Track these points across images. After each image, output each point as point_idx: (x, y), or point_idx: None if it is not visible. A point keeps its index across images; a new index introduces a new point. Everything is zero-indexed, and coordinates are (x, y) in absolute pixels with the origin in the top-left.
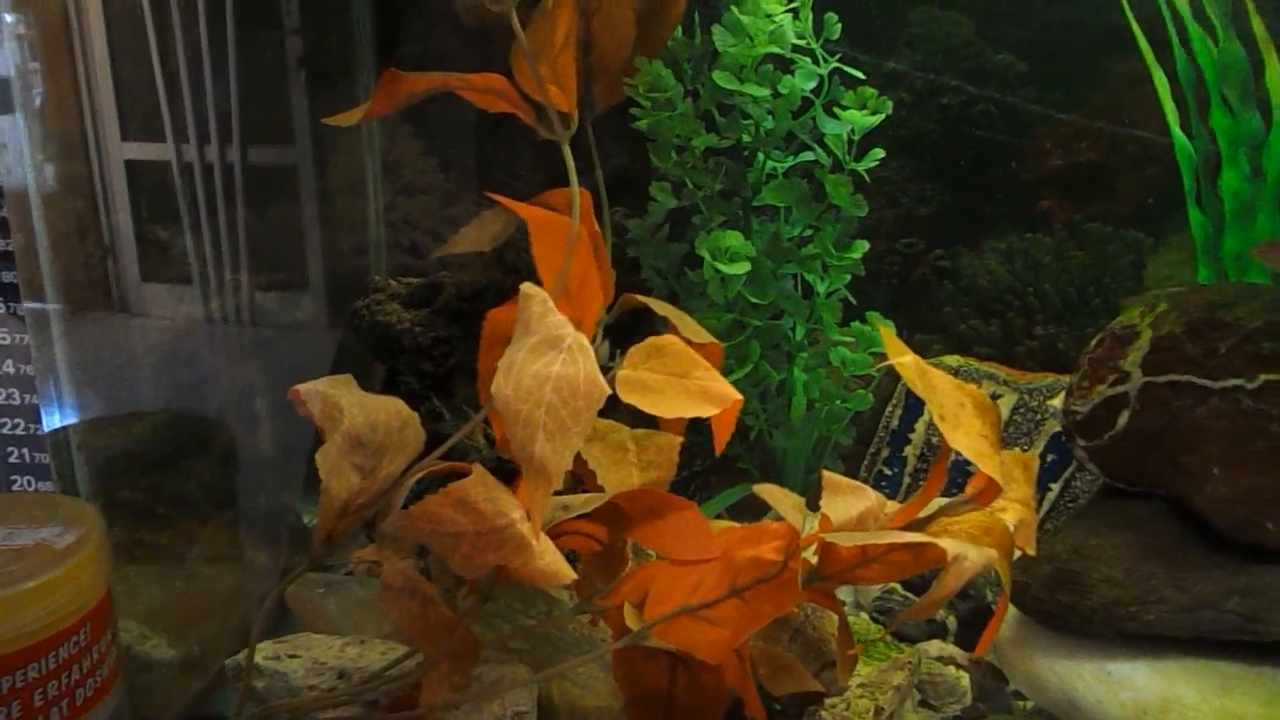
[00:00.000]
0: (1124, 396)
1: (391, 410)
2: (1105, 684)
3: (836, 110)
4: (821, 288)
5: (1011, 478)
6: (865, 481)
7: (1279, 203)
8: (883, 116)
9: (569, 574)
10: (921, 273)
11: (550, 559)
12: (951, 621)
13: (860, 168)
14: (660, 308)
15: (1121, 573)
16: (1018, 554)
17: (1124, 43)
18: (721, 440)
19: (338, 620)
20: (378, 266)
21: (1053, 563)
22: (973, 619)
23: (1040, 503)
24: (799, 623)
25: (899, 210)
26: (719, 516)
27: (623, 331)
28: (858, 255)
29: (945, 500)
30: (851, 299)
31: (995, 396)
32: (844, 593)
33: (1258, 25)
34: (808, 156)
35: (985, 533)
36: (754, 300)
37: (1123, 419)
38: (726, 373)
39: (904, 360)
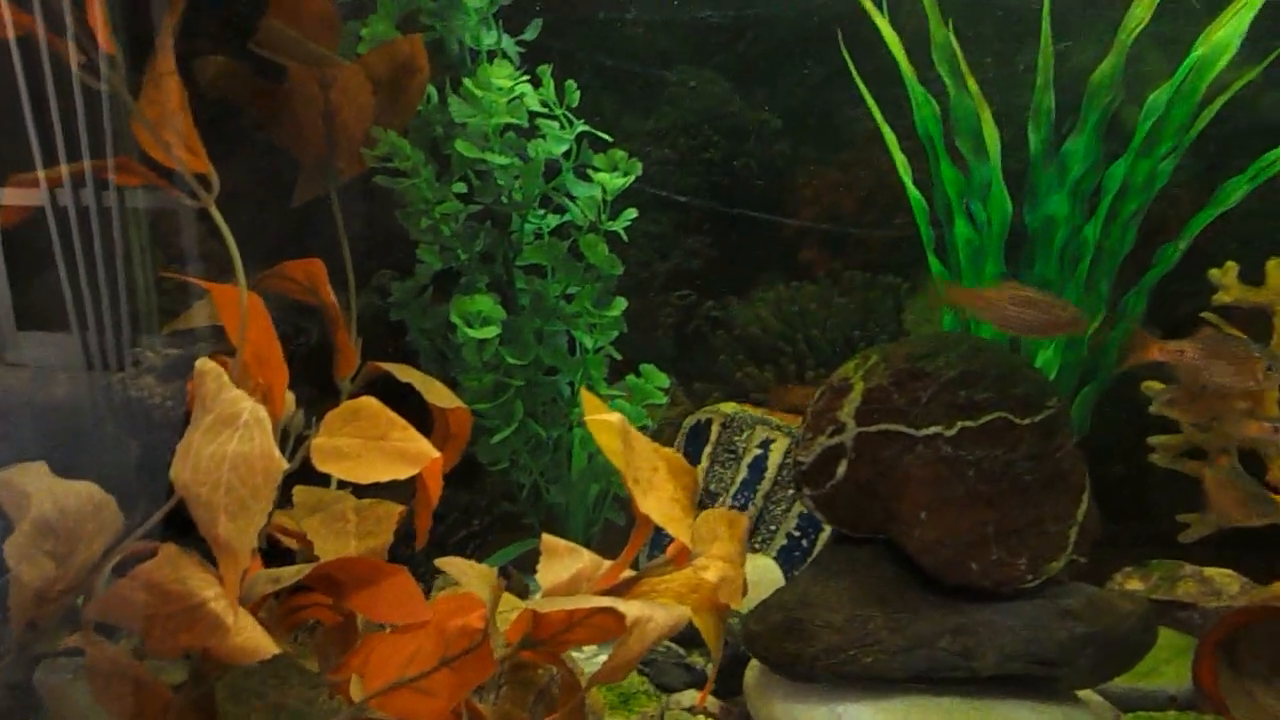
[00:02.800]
0: (841, 446)
1: (84, 495)
2: None
3: (589, 172)
4: (590, 344)
5: (716, 536)
6: None
7: (1004, 249)
8: (633, 178)
9: (269, 648)
10: (696, 324)
11: (248, 635)
12: (710, 669)
13: (615, 227)
14: (403, 373)
15: (842, 618)
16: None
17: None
18: (434, 498)
19: (85, 708)
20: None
21: (782, 611)
22: (731, 668)
23: (818, 544)
24: (544, 684)
25: (671, 264)
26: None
27: (395, 394)
28: (617, 312)
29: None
30: (616, 354)
31: (768, 442)
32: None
33: (970, 82)
34: (564, 218)
35: (692, 590)
36: (513, 361)
37: (841, 468)
38: (492, 432)
39: (606, 419)
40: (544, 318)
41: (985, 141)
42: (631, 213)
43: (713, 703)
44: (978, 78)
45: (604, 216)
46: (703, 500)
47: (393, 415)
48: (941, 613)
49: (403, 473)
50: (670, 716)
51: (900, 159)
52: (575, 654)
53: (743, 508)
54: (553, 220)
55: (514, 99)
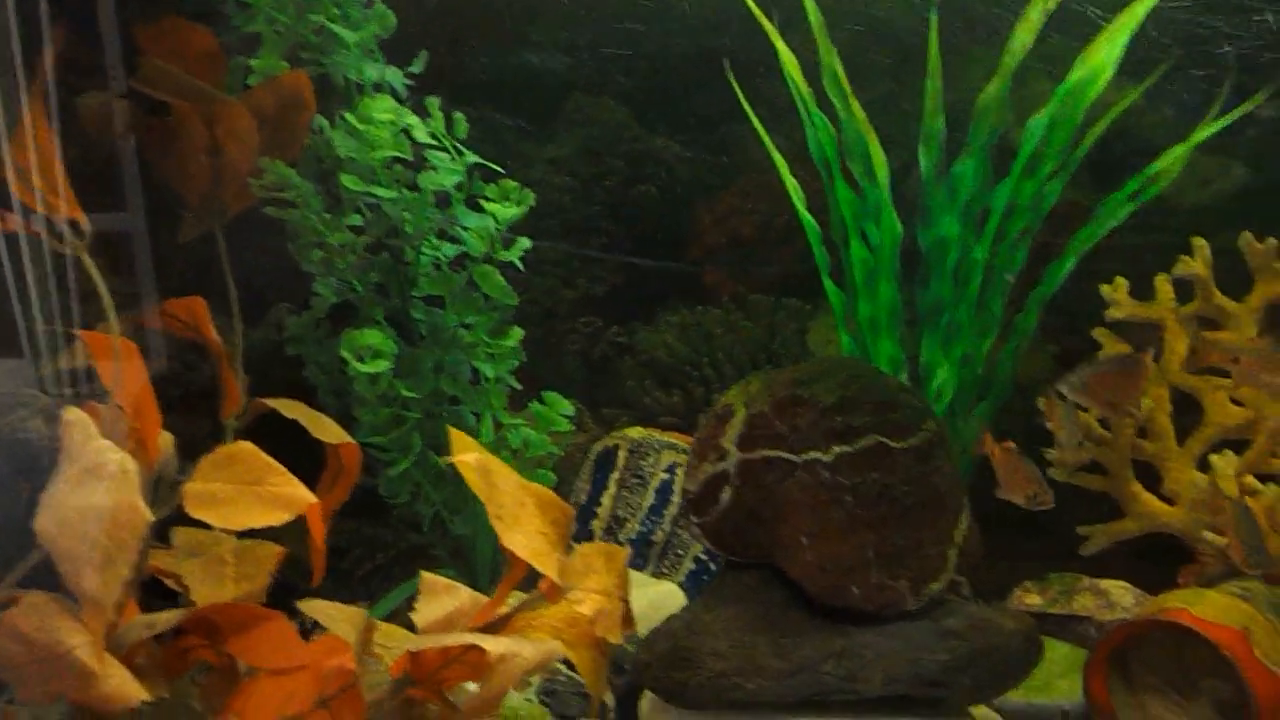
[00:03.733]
0: (725, 473)
1: None
2: None
3: (482, 203)
4: (490, 373)
5: (592, 569)
6: None
7: (896, 271)
8: (525, 208)
9: (138, 695)
10: (602, 349)
11: (116, 683)
12: (609, 699)
13: (509, 257)
14: (290, 409)
15: (727, 645)
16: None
17: (767, 124)
18: (320, 540)
19: None
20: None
21: (669, 640)
22: (630, 696)
23: None
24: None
25: (576, 291)
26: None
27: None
28: (514, 342)
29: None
30: (515, 383)
31: (675, 466)
32: None
33: (856, 107)
34: (461, 248)
35: (569, 625)
36: (408, 394)
37: (726, 495)
38: (389, 465)
39: (466, 459)
40: (442, 348)
41: (874, 165)
42: (525, 242)
43: None
44: (871, 102)
45: (497, 246)
46: (610, 526)
47: (269, 460)
48: (826, 637)
49: (278, 519)
50: None
51: (791, 183)
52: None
53: (650, 533)
54: (450, 250)
55: (399, 132)
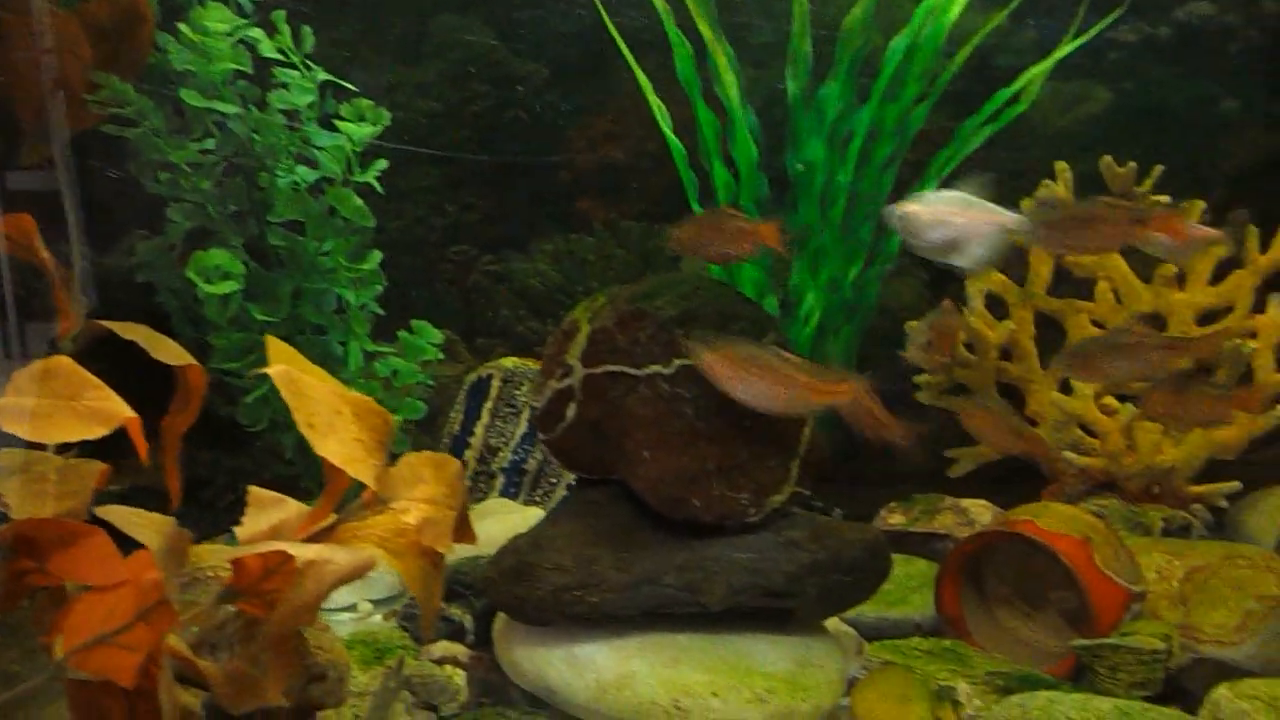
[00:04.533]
0: (570, 389)
1: None
2: (573, 667)
3: (336, 123)
4: (353, 300)
5: (420, 479)
6: None
7: (754, 192)
8: (381, 127)
9: None
10: (475, 279)
11: None
12: (469, 620)
13: (366, 178)
14: (128, 330)
15: (569, 559)
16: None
17: (635, 48)
18: (144, 456)
19: None
20: None
21: (514, 555)
22: (488, 616)
23: None
24: (291, 639)
25: (447, 219)
26: None
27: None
28: (373, 265)
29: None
30: (378, 309)
31: None
32: (371, 592)
33: (705, 28)
34: (321, 172)
35: (397, 535)
36: (262, 318)
37: (571, 410)
38: (250, 392)
39: (274, 370)
40: (302, 274)
41: (725, 87)
42: (382, 163)
43: (463, 653)
44: (741, 26)
45: (355, 168)
46: (483, 455)
47: (87, 376)
48: (669, 550)
49: (95, 432)
50: (420, 668)
51: (656, 103)
52: (339, 616)
53: (523, 461)
54: (308, 174)
55: (238, 44)
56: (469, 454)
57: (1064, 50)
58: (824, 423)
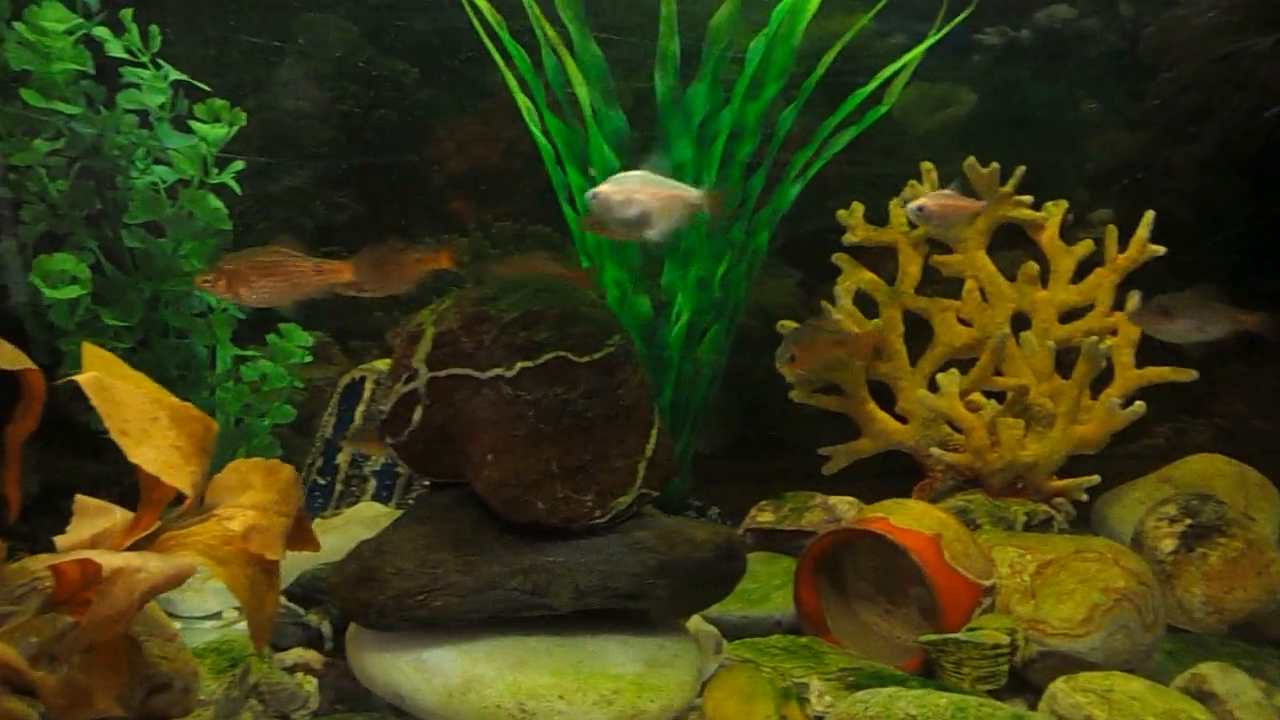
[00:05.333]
0: (415, 393)
1: None
2: (421, 672)
3: (191, 124)
4: (215, 303)
5: (248, 485)
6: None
7: None
8: (236, 128)
9: None
10: None
11: None
12: (327, 627)
13: (223, 178)
14: None
15: (414, 564)
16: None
17: (503, 50)
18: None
19: None
20: None
21: (358, 561)
22: (344, 624)
23: None
24: (121, 648)
25: (317, 220)
26: None
27: None
28: None
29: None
30: (239, 314)
31: None
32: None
33: (549, 29)
34: (173, 174)
35: (223, 542)
36: (113, 323)
37: (417, 414)
38: None
39: (83, 378)
40: (158, 277)
41: (575, 90)
42: (238, 164)
43: (316, 659)
44: (610, 27)
45: (211, 169)
46: (355, 459)
47: None
48: (515, 554)
49: None
50: (268, 675)
51: (523, 101)
52: (204, 623)
53: (395, 465)
54: (168, 174)
55: (78, 43)
56: (341, 458)
57: (915, 53)
58: (673, 425)
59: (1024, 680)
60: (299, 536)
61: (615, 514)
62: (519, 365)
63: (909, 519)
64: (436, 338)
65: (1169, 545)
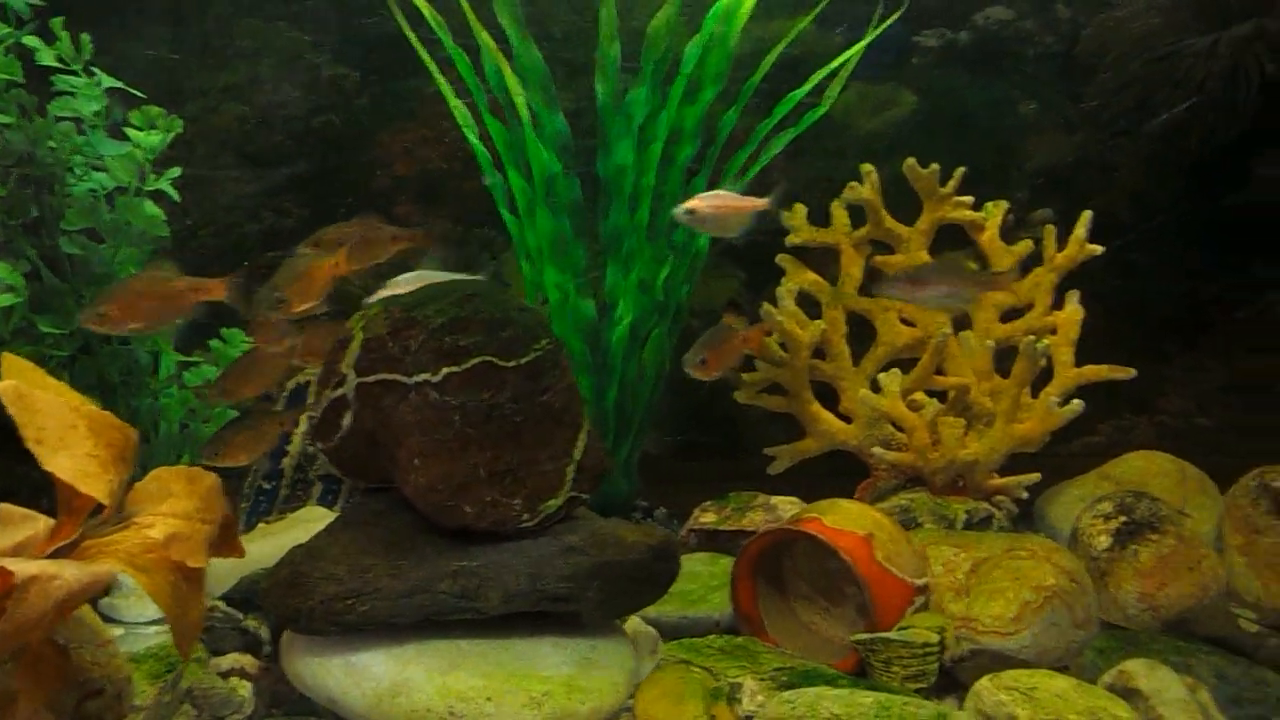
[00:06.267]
0: (344, 398)
1: None
2: (351, 676)
3: (126, 130)
4: None
5: (170, 493)
6: (247, 496)
7: (549, 200)
8: (173, 135)
9: None
10: None
11: None
12: (265, 632)
13: (160, 185)
14: None
15: (343, 568)
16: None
17: (442, 56)
18: None
19: None
20: None
21: (289, 566)
22: (281, 629)
23: None
24: (48, 655)
25: (262, 225)
26: None
27: None
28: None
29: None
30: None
31: None
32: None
33: (511, 33)
34: (111, 180)
35: (145, 550)
36: (49, 330)
37: (346, 420)
38: None
39: (0, 386)
40: (96, 284)
41: (511, 96)
42: (175, 171)
43: (252, 664)
44: (552, 30)
45: (148, 176)
46: (300, 463)
47: None
48: (445, 558)
49: None
50: (201, 681)
51: (456, 105)
52: (147, 629)
53: None
54: (107, 181)
55: (6, 52)
56: (287, 461)
57: (850, 53)
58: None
59: (954, 679)
60: (225, 543)
61: (545, 517)
62: (445, 370)
63: (843, 519)
64: (365, 343)
65: (1103, 542)
